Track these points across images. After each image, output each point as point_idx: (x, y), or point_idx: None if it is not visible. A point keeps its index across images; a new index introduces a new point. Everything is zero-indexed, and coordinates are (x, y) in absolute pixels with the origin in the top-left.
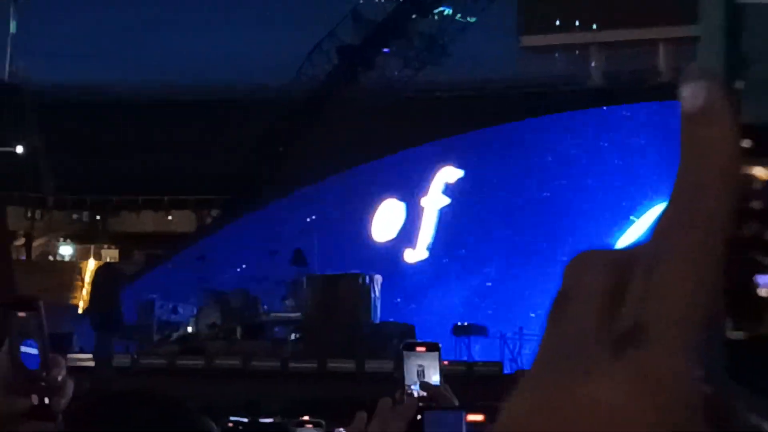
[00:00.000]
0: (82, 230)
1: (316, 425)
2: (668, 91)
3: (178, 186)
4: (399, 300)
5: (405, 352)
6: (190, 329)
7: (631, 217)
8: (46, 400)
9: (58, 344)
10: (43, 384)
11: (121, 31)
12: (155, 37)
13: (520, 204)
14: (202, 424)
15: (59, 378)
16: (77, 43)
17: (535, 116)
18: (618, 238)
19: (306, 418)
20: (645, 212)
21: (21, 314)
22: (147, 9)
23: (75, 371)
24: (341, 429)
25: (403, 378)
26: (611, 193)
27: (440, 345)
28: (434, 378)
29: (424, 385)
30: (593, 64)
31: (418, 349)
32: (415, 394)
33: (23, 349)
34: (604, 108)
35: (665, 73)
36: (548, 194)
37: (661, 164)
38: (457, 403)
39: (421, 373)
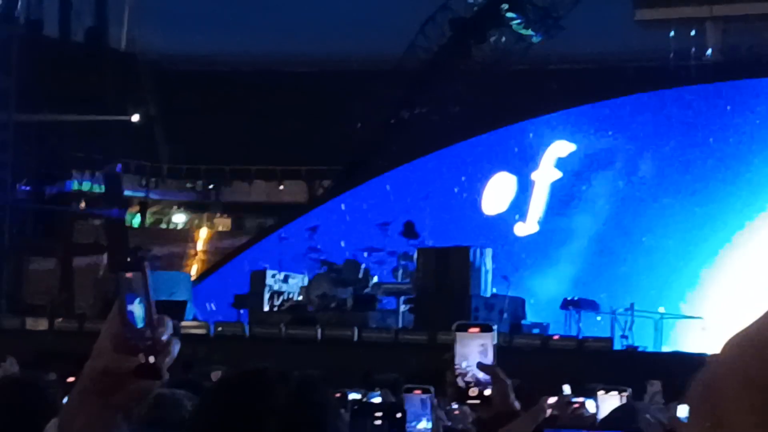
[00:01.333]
0: (196, 199)
1: (424, 391)
2: None
3: (291, 156)
4: (509, 273)
5: (458, 334)
6: (300, 299)
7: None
8: (152, 359)
9: (172, 311)
10: (149, 343)
11: (237, 2)
12: (270, 7)
13: (634, 182)
14: (335, 406)
15: (164, 337)
16: (194, 12)
17: (648, 90)
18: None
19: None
20: None
21: (128, 275)
22: None
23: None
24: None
25: (453, 359)
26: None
27: (494, 327)
28: (487, 360)
29: (481, 366)
30: (709, 39)
31: (471, 330)
32: (469, 375)
33: (130, 308)
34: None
35: None
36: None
37: None
38: (509, 383)
39: (474, 355)
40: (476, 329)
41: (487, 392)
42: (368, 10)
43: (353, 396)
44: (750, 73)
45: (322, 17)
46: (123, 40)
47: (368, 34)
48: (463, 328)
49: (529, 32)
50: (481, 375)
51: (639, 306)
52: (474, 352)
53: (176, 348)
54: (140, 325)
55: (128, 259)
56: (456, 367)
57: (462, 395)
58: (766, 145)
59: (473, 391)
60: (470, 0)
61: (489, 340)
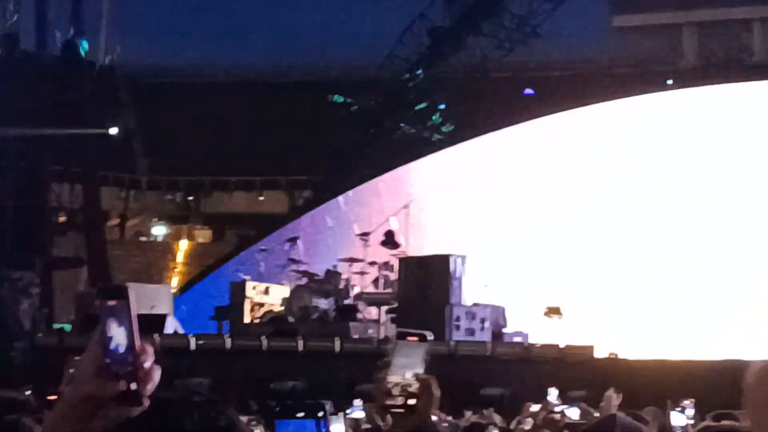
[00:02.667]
0: (176, 211)
1: (421, 339)
2: (763, 72)
3: (270, 167)
4: (490, 281)
5: (398, 341)
6: (282, 310)
7: None
8: (134, 386)
9: (152, 326)
10: (130, 369)
11: (212, 13)
12: (248, 18)
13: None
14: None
15: (147, 365)
16: (172, 24)
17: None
18: None
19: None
20: None
21: (111, 302)
22: None
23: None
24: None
25: (388, 365)
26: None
27: (430, 337)
28: (420, 369)
29: (417, 376)
30: (686, 44)
31: (410, 338)
32: (399, 383)
33: (112, 335)
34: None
35: (759, 53)
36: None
37: None
38: (438, 394)
39: (411, 363)
40: (415, 338)
41: (412, 402)
42: (346, 20)
43: (328, 407)
44: (727, 78)
45: (300, 28)
46: (101, 54)
47: (347, 44)
48: (402, 336)
49: None
50: (413, 385)
51: (622, 313)
52: (412, 361)
53: (158, 374)
54: (123, 352)
55: (110, 286)
56: (388, 374)
57: (386, 403)
58: (742, 150)
59: (398, 400)
60: (449, 8)
61: (424, 350)
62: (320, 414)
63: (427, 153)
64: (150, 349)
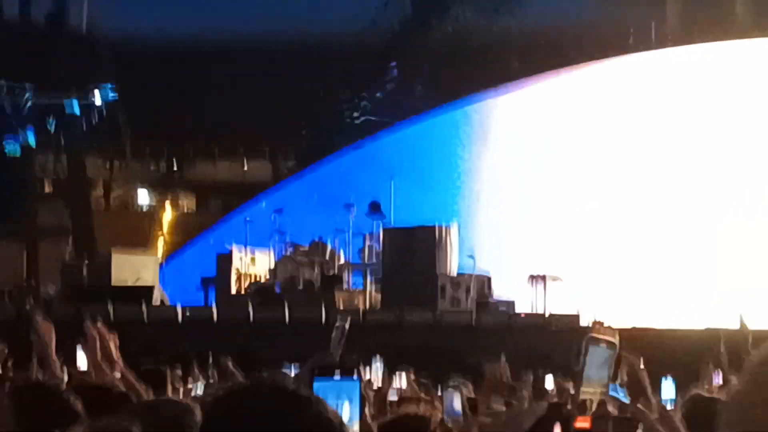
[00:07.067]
0: (160, 180)
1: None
2: (744, 33)
3: (254, 136)
4: (476, 250)
5: (590, 348)
6: (268, 281)
7: None
8: None
9: (139, 297)
10: None
11: None
12: None
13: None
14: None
15: None
16: None
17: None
18: None
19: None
20: None
21: None
22: None
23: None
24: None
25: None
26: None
27: (615, 339)
28: (607, 379)
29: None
30: (668, 7)
31: (601, 342)
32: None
33: None
34: None
35: (741, 15)
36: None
37: None
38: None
39: (599, 375)
40: (605, 341)
41: None
42: None
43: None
44: (709, 38)
45: None
46: (83, 22)
47: (331, 11)
48: (595, 342)
49: None
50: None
51: (605, 279)
52: (602, 369)
53: None
54: None
55: None
56: (581, 385)
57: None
58: (727, 110)
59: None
60: None
61: (611, 355)
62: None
63: (410, 120)
64: None
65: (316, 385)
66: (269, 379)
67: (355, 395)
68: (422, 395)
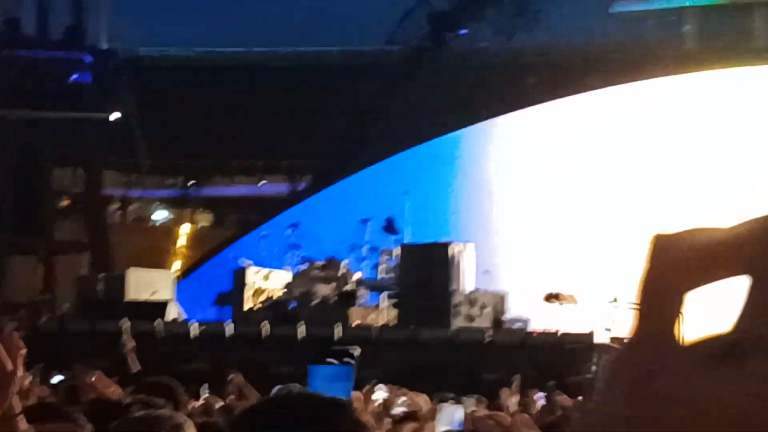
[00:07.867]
0: (177, 195)
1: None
2: (762, 56)
3: (272, 151)
4: (492, 267)
5: None
6: (282, 296)
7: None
8: None
9: (154, 312)
10: None
11: None
12: (248, 1)
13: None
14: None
15: None
16: (173, 8)
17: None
18: None
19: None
20: None
21: None
22: None
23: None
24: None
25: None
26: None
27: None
28: None
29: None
30: (686, 29)
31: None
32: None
33: None
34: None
35: (759, 37)
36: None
37: None
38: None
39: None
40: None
41: None
42: (347, 4)
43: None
44: (726, 63)
45: (301, 12)
46: (103, 38)
47: (348, 28)
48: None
49: None
50: None
51: (622, 298)
52: None
53: None
54: None
55: None
56: None
57: None
58: (738, 134)
59: None
60: None
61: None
62: (349, 360)
63: (427, 139)
64: None
65: (312, 370)
66: (296, 389)
67: (349, 379)
68: (422, 409)
